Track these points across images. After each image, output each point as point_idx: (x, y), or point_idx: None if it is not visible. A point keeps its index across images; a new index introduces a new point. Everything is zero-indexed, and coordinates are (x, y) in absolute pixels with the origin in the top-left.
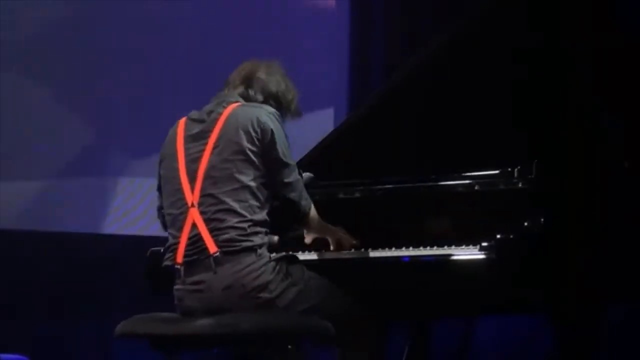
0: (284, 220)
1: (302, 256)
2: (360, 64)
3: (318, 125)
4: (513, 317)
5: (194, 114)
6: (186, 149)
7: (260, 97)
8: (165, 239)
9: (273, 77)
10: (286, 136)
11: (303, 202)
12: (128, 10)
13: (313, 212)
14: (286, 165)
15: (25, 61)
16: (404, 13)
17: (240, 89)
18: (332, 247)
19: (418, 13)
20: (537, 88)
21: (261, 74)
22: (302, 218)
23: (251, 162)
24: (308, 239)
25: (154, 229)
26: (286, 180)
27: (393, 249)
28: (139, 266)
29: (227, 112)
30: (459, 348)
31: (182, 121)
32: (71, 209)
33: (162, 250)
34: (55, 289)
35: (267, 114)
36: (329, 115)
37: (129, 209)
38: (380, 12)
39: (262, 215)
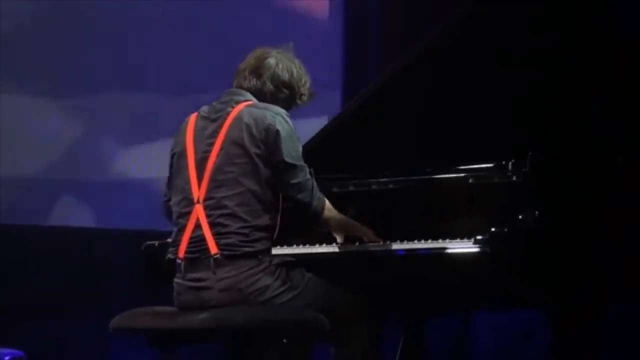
0: (300, 219)
1: (296, 250)
2: (354, 72)
3: (311, 133)
4: (509, 313)
5: (204, 110)
6: (195, 148)
7: (270, 86)
8: (161, 233)
9: (283, 64)
10: (297, 136)
11: (314, 203)
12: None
13: (328, 211)
14: (292, 166)
15: (8, 57)
16: (399, 20)
17: (250, 81)
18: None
19: (414, 20)
20: (532, 82)
21: (271, 61)
22: (314, 218)
23: (255, 165)
24: (339, 239)
25: (150, 223)
26: (293, 181)
27: (388, 242)
28: (135, 261)
29: (234, 113)
30: (456, 343)
31: (193, 117)
32: (67, 206)
33: (156, 244)
34: (51, 285)
35: (272, 115)
36: (322, 124)
37: (124, 204)
38: (374, 19)
39: (265, 219)
